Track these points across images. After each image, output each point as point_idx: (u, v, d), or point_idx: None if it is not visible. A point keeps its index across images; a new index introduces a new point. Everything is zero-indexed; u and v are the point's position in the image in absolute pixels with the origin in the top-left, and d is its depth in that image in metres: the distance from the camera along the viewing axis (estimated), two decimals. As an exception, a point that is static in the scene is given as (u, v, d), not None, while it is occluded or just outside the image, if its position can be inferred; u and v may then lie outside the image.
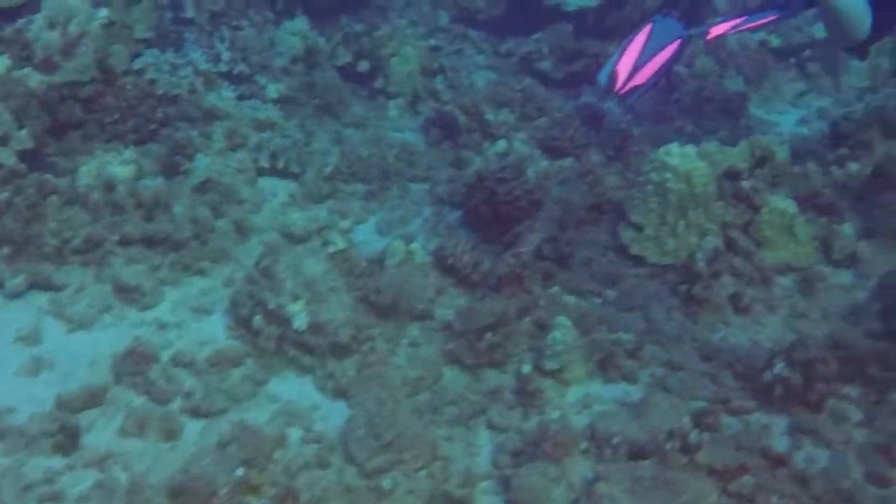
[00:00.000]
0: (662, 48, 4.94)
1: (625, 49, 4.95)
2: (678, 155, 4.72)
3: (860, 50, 5.09)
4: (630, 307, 4.55)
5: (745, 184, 4.95)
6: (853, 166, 5.48)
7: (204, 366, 4.12)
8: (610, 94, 5.06)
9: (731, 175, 4.99)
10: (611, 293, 4.67)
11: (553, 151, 5.71)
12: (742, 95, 6.70)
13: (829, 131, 5.84)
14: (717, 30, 5.04)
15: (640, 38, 4.97)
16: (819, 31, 7.09)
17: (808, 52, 7.17)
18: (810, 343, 3.95)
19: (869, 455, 3.74)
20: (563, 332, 4.10)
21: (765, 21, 4.98)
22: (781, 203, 4.86)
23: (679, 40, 4.98)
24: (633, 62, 4.90)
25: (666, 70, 5.01)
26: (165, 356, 4.15)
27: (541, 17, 7.00)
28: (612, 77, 4.90)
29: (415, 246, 4.71)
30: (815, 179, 5.33)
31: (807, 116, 6.75)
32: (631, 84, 4.89)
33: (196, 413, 3.90)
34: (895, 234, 4.96)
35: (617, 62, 4.93)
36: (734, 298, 4.57)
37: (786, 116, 6.80)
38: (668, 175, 4.69)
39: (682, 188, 4.69)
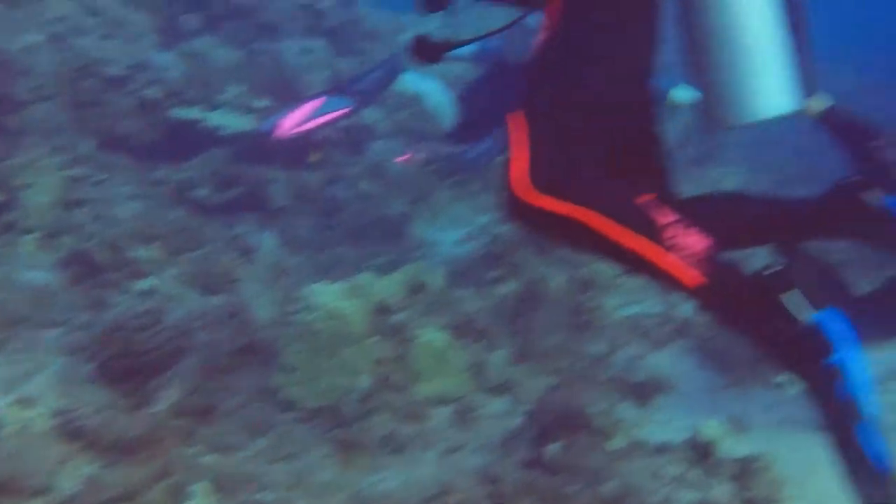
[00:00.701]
0: (328, 113, 5.18)
1: (294, 109, 5.18)
2: (326, 293, 4.57)
3: None
4: (280, 457, 4.27)
5: (398, 317, 4.88)
6: (506, 287, 5.59)
7: None
8: (269, 137, 5.19)
9: (384, 309, 4.90)
10: (262, 442, 4.37)
11: (205, 288, 5.41)
12: (405, 216, 6.75)
13: (484, 252, 5.95)
14: (288, 123, 5.18)
15: (311, 105, 5.20)
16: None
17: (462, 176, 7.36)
18: (455, 488, 3.85)
19: None
20: (198, 501, 3.76)
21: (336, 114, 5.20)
22: (434, 334, 4.81)
23: (347, 109, 5.23)
24: (299, 119, 5.13)
25: (325, 125, 5.26)
26: None
27: (197, 142, 6.73)
28: (276, 126, 4.97)
29: (36, 411, 4.20)
30: (470, 304, 5.37)
31: (471, 233, 6.87)
32: (292, 132, 4.98)
33: None
34: (545, 356, 5.05)
35: (284, 117, 5.11)
36: (388, 439, 4.42)
37: (448, 234, 6.91)
38: (317, 314, 4.52)
39: (331, 327, 4.53)
